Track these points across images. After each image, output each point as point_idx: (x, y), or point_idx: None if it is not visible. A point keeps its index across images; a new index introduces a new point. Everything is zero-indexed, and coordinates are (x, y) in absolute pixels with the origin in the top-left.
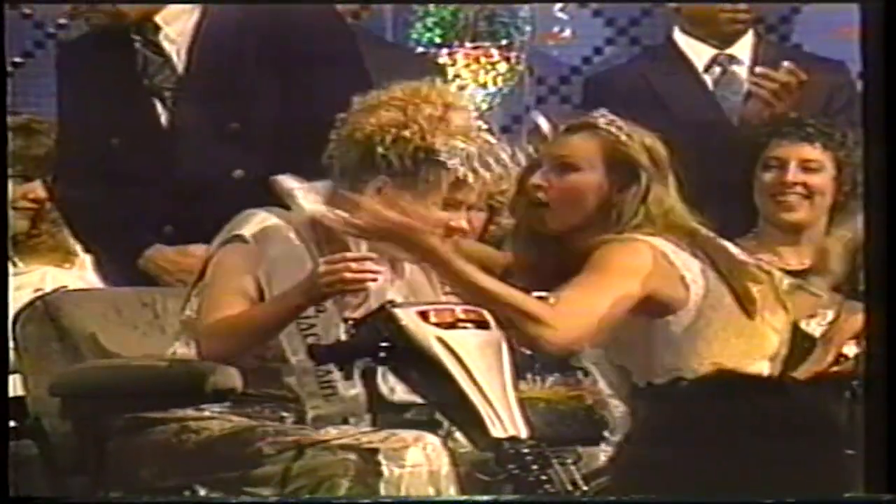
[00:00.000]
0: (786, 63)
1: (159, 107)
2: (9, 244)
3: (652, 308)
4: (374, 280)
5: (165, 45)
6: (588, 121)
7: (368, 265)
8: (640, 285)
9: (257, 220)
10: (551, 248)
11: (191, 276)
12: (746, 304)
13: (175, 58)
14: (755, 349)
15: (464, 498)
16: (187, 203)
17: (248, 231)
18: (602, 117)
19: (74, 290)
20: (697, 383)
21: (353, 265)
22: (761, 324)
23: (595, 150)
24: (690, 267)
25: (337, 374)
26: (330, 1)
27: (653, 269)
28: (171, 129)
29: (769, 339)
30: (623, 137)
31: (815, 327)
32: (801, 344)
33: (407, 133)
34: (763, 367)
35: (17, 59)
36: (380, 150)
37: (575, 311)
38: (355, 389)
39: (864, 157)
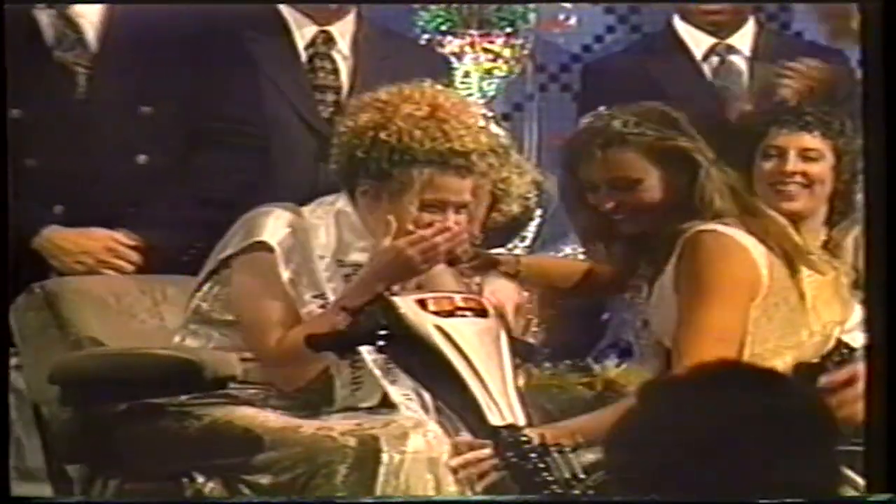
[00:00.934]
0: (809, 60)
1: (68, 83)
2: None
3: None
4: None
5: (78, 20)
6: (615, 134)
7: (453, 230)
8: (747, 299)
9: (276, 222)
10: (635, 245)
11: (92, 259)
12: (803, 297)
13: (89, 34)
14: (805, 344)
15: (464, 498)
16: (84, 183)
17: (271, 237)
18: (614, 120)
19: (73, 278)
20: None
21: (440, 237)
22: (815, 319)
23: (640, 158)
24: (765, 261)
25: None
26: (337, 0)
27: (751, 275)
28: (78, 106)
29: (817, 334)
30: (655, 135)
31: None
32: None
33: (383, 135)
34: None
35: None
36: (359, 153)
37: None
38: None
39: (865, 154)
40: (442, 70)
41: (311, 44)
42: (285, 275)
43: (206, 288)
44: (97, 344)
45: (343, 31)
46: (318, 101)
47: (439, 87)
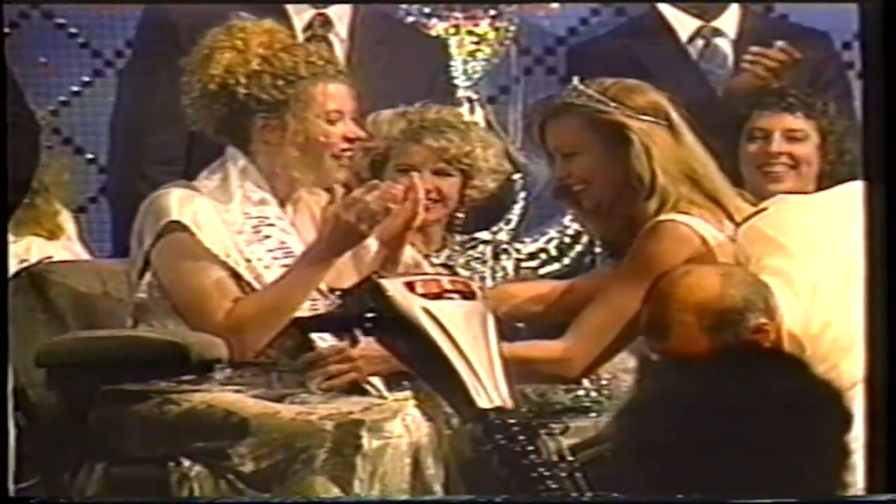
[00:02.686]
0: (779, 42)
1: None
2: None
3: None
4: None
5: None
6: (563, 102)
7: (387, 190)
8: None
9: (179, 200)
10: (612, 229)
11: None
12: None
13: None
14: None
15: (464, 498)
16: None
17: (181, 216)
18: (574, 92)
19: (60, 262)
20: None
21: (369, 196)
22: None
23: (578, 131)
24: (729, 251)
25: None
26: (334, 1)
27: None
28: None
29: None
30: (599, 105)
31: None
32: None
33: (255, 65)
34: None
35: None
36: (241, 91)
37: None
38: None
39: (864, 153)
40: (439, 53)
41: (309, 26)
42: (209, 246)
43: (143, 283)
44: (84, 327)
45: (341, 14)
46: None
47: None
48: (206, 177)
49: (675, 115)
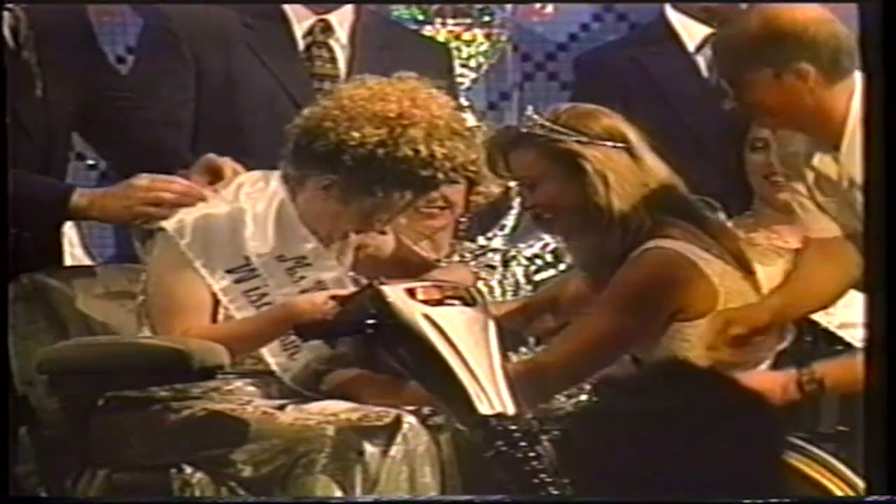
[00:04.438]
0: None
1: None
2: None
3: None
4: None
5: None
6: (520, 132)
7: (339, 298)
8: (664, 313)
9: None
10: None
11: None
12: (759, 290)
13: None
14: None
15: (464, 498)
16: None
17: (171, 222)
18: (529, 122)
19: (62, 267)
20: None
21: (329, 305)
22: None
23: (536, 161)
24: (717, 270)
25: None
26: (333, 0)
27: (700, 289)
28: None
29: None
30: (553, 135)
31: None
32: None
33: (381, 152)
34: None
35: None
36: (346, 158)
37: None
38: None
39: (864, 155)
40: (440, 59)
41: (309, 32)
42: (195, 261)
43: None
44: (86, 333)
45: (342, 19)
46: (316, 90)
47: (433, 90)
48: (239, 186)
49: (634, 138)
